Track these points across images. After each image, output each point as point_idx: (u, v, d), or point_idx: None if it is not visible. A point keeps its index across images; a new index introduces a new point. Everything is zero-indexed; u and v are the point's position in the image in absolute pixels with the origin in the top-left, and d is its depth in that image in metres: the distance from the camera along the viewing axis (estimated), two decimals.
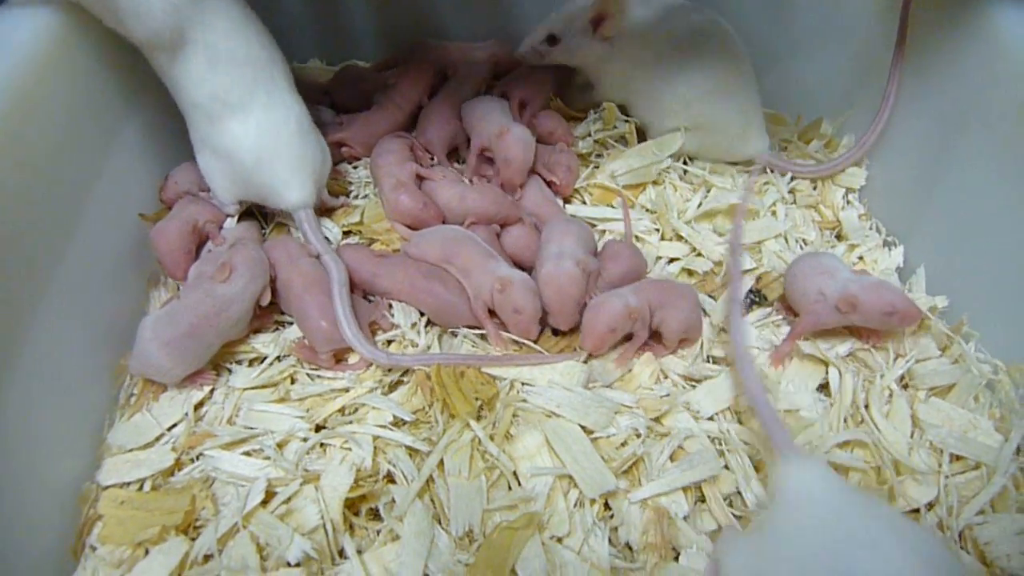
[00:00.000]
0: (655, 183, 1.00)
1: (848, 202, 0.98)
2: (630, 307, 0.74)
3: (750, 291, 0.86)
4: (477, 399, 0.71)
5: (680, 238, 0.92)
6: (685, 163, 1.02)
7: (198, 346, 0.73)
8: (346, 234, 0.92)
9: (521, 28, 1.12)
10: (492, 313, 0.78)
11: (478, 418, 0.71)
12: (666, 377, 0.78)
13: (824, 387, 0.77)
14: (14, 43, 0.68)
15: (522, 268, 0.83)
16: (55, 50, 0.72)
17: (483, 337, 0.79)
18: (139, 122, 0.86)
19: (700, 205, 0.96)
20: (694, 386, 0.76)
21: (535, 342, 0.78)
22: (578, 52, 0.98)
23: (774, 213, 0.96)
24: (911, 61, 0.90)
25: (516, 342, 0.78)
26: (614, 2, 0.91)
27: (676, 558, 0.64)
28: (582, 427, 0.70)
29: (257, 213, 0.92)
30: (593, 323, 0.74)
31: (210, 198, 0.87)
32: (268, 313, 0.80)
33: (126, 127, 0.84)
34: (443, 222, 0.89)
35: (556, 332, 0.80)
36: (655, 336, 0.79)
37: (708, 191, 0.99)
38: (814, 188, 1.00)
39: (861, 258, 0.91)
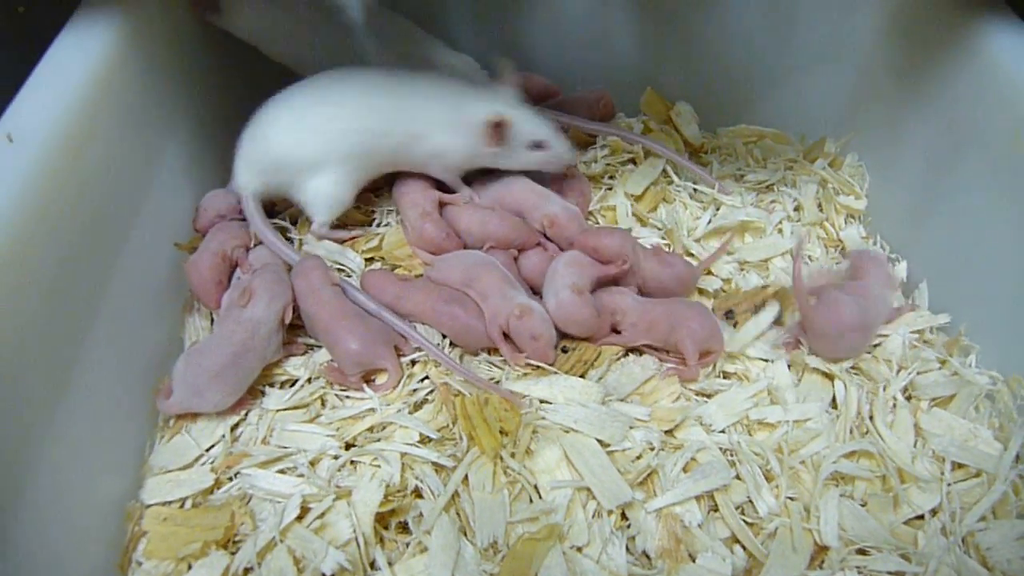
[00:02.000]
0: (666, 201, 1.03)
1: (847, 222, 1.01)
2: (572, 286, 0.81)
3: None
4: (502, 431, 0.74)
5: (690, 255, 0.95)
6: (695, 183, 1.05)
7: (242, 372, 0.77)
8: (368, 260, 0.95)
9: (531, 50, 1.17)
10: (507, 336, 0.82)
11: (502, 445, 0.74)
12: (680, 396, 0.80)
13: (832, 400, 0.80)
14: (66, 79, 0.72)
15: (536, 292, 0.87)
16: (105, 84, 0.76)
17: (505, 361, 0.82)
18: (177, 151, 0.90)
19: (710, 223, 0.99)
20: (706, 401, 0.79)
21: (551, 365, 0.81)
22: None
23: (780, 231, 0.99)
24: (911, 85, 0.93)
25: (532, 364, 0.81)
26: None
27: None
28: (599, 441, 0.73)
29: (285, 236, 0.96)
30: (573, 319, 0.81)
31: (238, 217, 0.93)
32: (294, 340, 0.85)
33: (166, 157, 0.88)
34: (463, 247, 0.93)
35: (566, 350, 0.83)
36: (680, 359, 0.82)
37: (717, 209, 1.02)
38: (819, 209, 1.03)
39: None
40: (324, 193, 0.91)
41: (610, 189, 1.05)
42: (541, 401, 0.78)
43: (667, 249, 0.94)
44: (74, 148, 0.70)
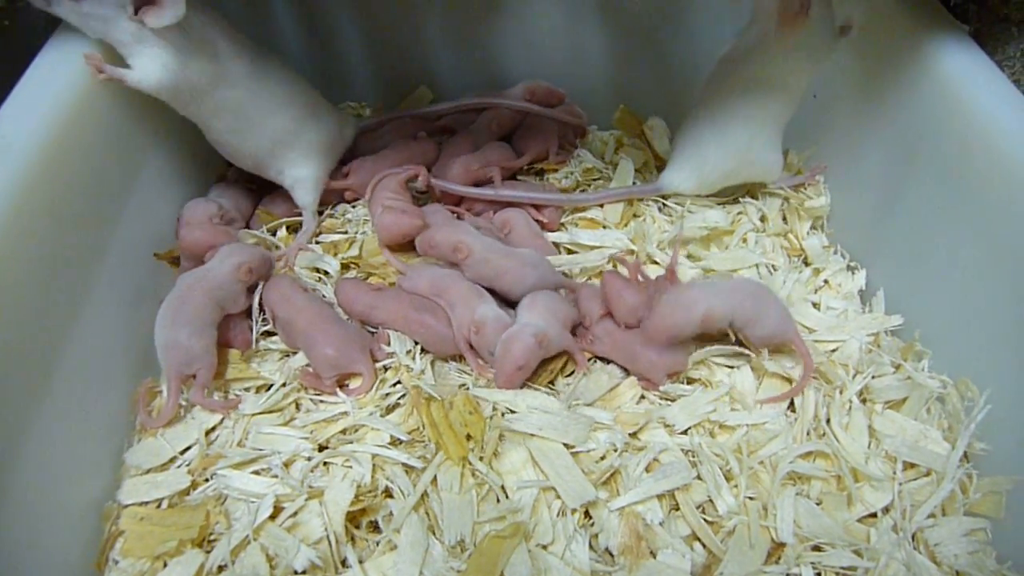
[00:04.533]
0: (636, 216, 1.06)
1: (812, 230, 1.05)
2: (539, 336, 0.79)
3: None
4: (468, 436, 0.76)
5: (655, 263, 0.98)
6: (664, 198, 1.07)
7: (193, 308, 0.81)
8: (345, 267, 0.98)
9: (505, 67, 1.20)
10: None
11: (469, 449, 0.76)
12: (643, 398, 0.83)
13: (790, 403, 0.82)
14: (51, 89, 0.74)
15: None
16: (89, 95, 0.78)
17: None
18: (159, 160, 0.93)
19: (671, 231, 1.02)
20: (670, 404, 0.82)
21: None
22: (107, 26, 0.78)
23: (744, 241, 1.02)
24: (870, 102, 0.97)
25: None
26: None
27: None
28: (563, 444, 0.76)
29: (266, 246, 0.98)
30: (503, 362, 0.79)
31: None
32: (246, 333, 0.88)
33: (148, 165, 0.90)
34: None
35: None
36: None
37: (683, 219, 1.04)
38: (784, 220, 1.06)
39: (827, 281, 0.97)
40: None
41: None
42: (507, 408, 0.79)
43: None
44: (58, 156, 0.72)
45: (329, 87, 1.21)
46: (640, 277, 0.87)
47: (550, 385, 0.85)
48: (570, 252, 1.01)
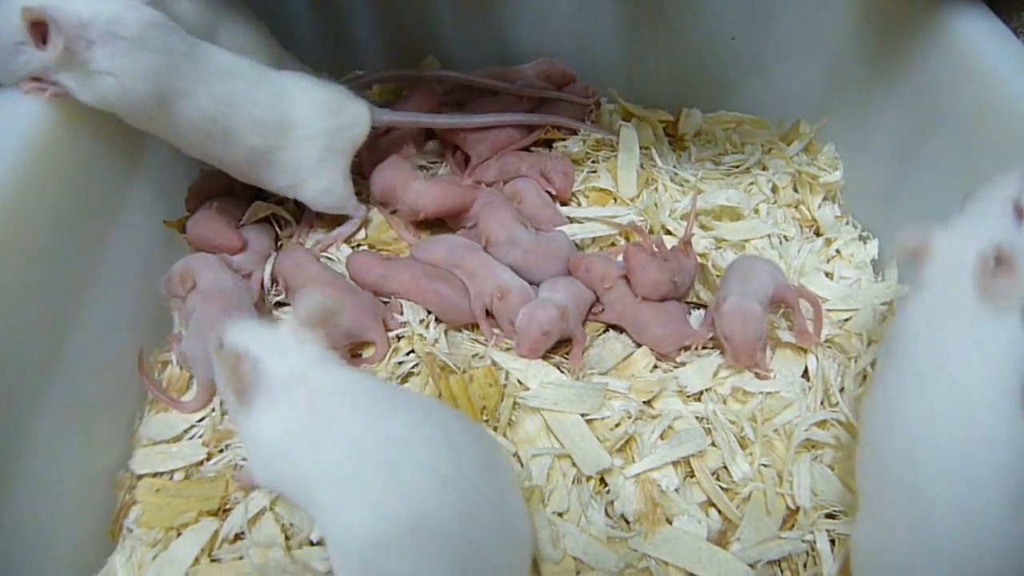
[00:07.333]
0: (648, 182, 1.05)
1: (824, 201, 1.04)
2: (561, 308, 0.80)
3: None
4: (483, 408, 0.76)
5: (668, 232, 0.97)
6: (675, 167, 1.07)
7: None
8: (354, 247, 0.97)
9: (515, 41, 1.19)
10: (489, 313, 0.84)
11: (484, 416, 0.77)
12: (656, 366, 0.83)
13: (806, 372, 0.82)
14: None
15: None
16: None
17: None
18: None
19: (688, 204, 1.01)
20: (684, 366, 0.82)
21: None
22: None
23: (756, 211, 1.01)
24: (882, 70, 0.96)
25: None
26: None
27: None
28: (579, 414, 0.76)
29: (273, 222, 0.98)
30: (528, 328, 0.79)
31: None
32: None
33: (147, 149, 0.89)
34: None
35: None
36: None
37: (698, 193, 1.04)
38: (795, 191, 1.06)
39: (839, 251, 0.96)
40: None
41: (594, 172, 1.07)
42: (518, 381, 0.79)
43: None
44: (70, 125, 0.71)
45: (336, 56, 1.21)
46: (656, 248, 0.88)
47: (564, 355, 0.84)
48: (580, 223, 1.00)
